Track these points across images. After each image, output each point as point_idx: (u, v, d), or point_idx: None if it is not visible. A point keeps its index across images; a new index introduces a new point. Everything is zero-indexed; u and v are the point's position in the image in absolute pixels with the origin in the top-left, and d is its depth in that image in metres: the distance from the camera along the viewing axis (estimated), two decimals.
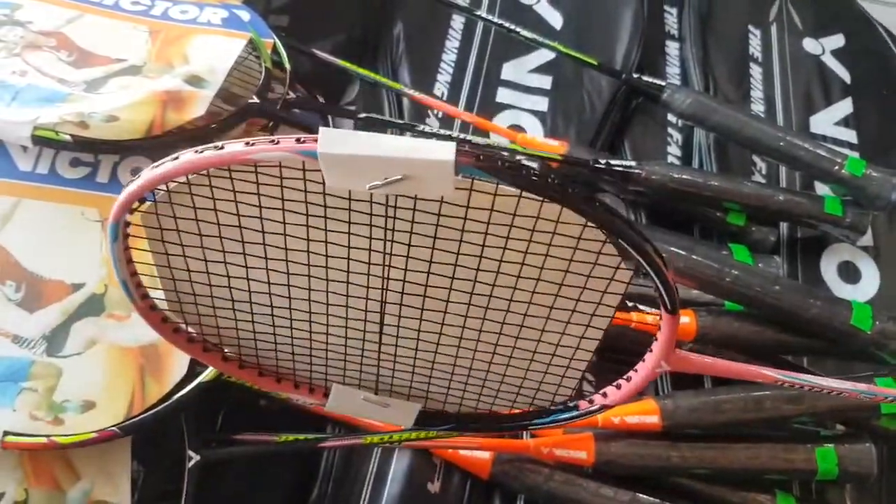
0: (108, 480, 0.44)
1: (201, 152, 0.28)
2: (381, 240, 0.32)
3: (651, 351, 0.35)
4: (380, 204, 0.30)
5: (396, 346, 0.36)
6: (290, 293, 0.35)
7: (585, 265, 0.31)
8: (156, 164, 0.29)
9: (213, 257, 0.34)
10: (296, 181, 0.30)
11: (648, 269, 0.30)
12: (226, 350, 0.39)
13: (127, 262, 0.34)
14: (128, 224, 0.32)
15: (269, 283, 0.35)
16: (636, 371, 0.35)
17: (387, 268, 0.33)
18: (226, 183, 0.30)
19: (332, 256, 0.33)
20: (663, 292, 0.31)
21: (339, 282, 0.34)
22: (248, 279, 0.35)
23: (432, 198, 0.29)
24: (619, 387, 0.36)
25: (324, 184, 0.28)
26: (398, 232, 0.31)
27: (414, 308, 0.34)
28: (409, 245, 0.32)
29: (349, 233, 0.32)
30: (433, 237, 0.31)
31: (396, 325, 0.35)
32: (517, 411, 0.39)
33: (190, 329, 0.38)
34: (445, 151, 0.26)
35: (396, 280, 0.33)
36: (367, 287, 0.34)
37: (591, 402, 0.37)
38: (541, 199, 0.28)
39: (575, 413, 0.38)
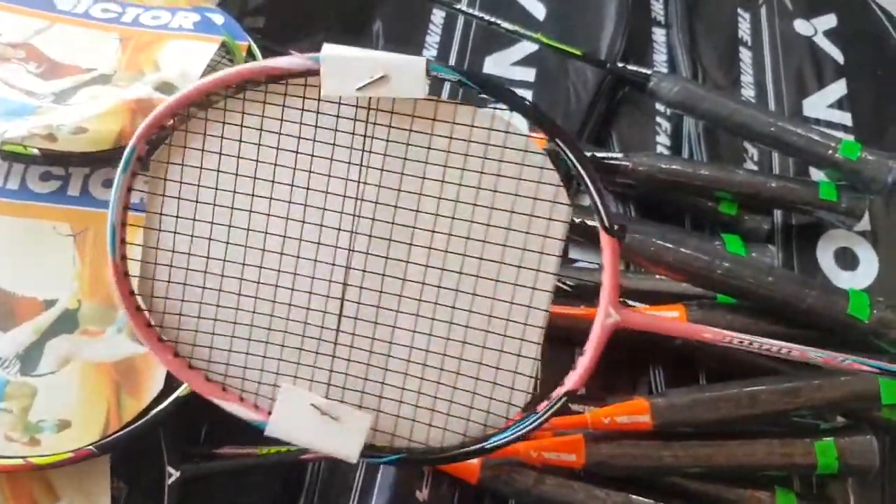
0: (88, 499, 0.43)
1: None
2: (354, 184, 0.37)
3: (598, 300, 0.35)
4: (359, 135, 0.36)
5: (354, 333, 0.37)
6: (261, 261, 0.38)
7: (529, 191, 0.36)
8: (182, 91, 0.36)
9: (203, 214, 0.37)
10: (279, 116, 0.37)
11: (567, 153, 0.34)
12: (178, 345, 0.38)
13: (123, 207, 0.37)
14: (140, 159, 0.36)
15: (245, 246, 0.37)
16: (588, 340, 0.35)
17: (359, 202, 0.37)
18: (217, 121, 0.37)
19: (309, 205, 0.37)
20: (597, 201, 0.34)
21: (308, 241, 0.37)
22: (219, 241, 0.37)
23: (408, 97, 0.35)
24: (575, 367, 0.35)
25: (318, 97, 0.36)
26: (371, 168, 0.37)
27: (374, 287, 0.37)
28: (380, 185, 0.37)
29: (329, 175, 0.37)
30: (401, 171, 0.36)
31: (357, 300, 0.37)
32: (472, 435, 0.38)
33: (149, 311, 0.38)
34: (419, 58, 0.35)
35: (363, 236, 0.37)
36: (333, 264, 0.37)
37: (549, 399, 0.36)
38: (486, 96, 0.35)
39: (537, 416, 0.36)
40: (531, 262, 0.36)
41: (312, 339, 0.37)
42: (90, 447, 0.41)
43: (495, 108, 0.35)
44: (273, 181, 0.37)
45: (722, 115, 0.59)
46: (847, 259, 0.60)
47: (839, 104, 0.68)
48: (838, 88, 0.68)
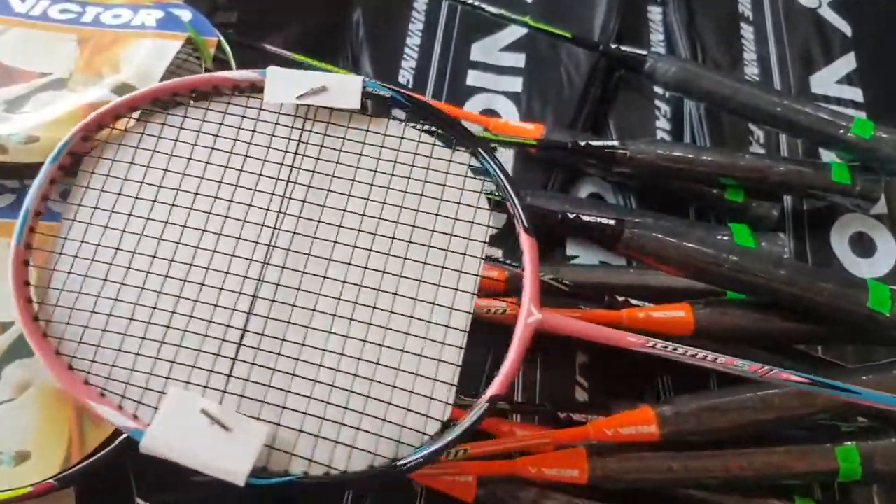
0: None
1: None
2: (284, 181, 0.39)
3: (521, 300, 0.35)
4: (293, 140, 0.40)
5: (262, 334, 0.36)
6: (174, 255, 0.37)
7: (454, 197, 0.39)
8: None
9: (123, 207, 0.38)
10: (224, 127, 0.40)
11: (488, 161, 0.38)
12: (62, 342, 0.36)
13: (42, 197, 0.37)
14: (72, 154, 0.38)
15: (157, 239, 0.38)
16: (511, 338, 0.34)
17: (282, 215, 0.38)
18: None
19: (235, 201, 0.39)
20: (516, 203, 0.37)
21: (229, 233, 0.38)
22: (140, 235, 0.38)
23: (344, 107, 0.40)
24: (499, 372, 0.34)
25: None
26: (303, 170, 0.39)
27: (290, 285, 0.37)
28: (309, 185, 0.39)
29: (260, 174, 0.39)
30: (331, 175, 0.39)
31: (271, 297, 0.37)
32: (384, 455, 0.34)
33: (40, 304, 0.37)
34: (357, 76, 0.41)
35: (287, 232, 0.38)
36: (250, 260, 0.37)
37: (472, 407, 0.34)
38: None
39: (457, 428, 0.34)
40: (454, 264, 0.37)
41: (214, 340, 0.35)
42: (51, 480, 0.39)
43: (423, 124, 0.40)
44: (200, 181, 0.39)
45: (724, 95, 0.55)
46: (864, 245, 0.56)
47: (848, 79, 0.64)
48: (847, 63, 0.64)
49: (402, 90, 0.40)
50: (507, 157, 0.58)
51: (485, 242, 0.37)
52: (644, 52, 0.57)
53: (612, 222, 0.44)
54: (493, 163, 0.39)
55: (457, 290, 0.37)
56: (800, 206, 0.57)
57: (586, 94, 0.60)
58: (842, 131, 0.52)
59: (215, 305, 0.36)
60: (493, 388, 0.34)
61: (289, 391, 0.35)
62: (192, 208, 0.38)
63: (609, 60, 0.61)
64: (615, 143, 0.53)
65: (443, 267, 0.37)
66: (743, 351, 0.48)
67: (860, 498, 0.47)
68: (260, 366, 0.35)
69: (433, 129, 0.40)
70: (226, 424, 0.33)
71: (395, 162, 0.39)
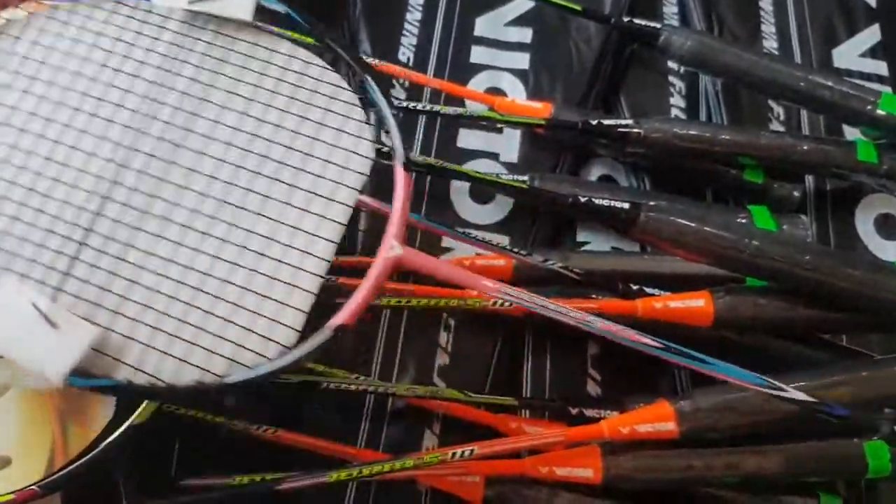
0: None
1: None
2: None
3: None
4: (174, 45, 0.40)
5: (109, 237, 0.35)
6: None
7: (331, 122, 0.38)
8: None
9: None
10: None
11: (374, 88, 0.39)
12: None
13: None
14: None
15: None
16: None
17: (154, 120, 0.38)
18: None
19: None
20: (396, 137, 0.37)
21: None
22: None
23: (235, 17, 0.40)
24: (347, 300, 0.33)
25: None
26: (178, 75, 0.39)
27: (145, 191, 0.36)
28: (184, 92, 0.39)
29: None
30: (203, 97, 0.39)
31: (124, 202, 0.36)
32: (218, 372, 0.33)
33: None
34: None
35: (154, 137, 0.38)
36: (108, 161, 0.37)
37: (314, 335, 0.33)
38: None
39: (296, 352, 0.32)
40: (325, 191, 0.36)
41: (58, 237, 0.35)
42: (34, 487, 0.36)
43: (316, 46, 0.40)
44: (73, 76, 0.39)
45: (742, 69, 0.52)
46: (890, 227, 0.54)
47: (872, 52, 0.60)
48: (871, 35, 0.61)
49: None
50: (513, 138, 0.55)
51: (364, 175, 0.37)
52: (658, 25, 0.53)
53: (626, 206, 0.42)
54: (380, 93, 0.39)
55: (324, 217, 0.36)
56: (822, 186, 0.55)
57: (597, 71, 0.57)
58: (869, 107, 0.50)
59: (64, 202, 0.36)
60: (340, 318, 0.33)
61: (127, 298, 0.34)
62: (59, 102, 0.38)
63: (621, 34, 0.57)
64: (628, 121, 0.51)
65: (313, 193, 0.36)
66: (764, 340, 0.46)
67: (888, 493, 0.45)
68: (100, 269, 0.35)
69: (325, 51, 0.41)
70: (53, 321, 0.32)
71: (280, 80, 0.39)
